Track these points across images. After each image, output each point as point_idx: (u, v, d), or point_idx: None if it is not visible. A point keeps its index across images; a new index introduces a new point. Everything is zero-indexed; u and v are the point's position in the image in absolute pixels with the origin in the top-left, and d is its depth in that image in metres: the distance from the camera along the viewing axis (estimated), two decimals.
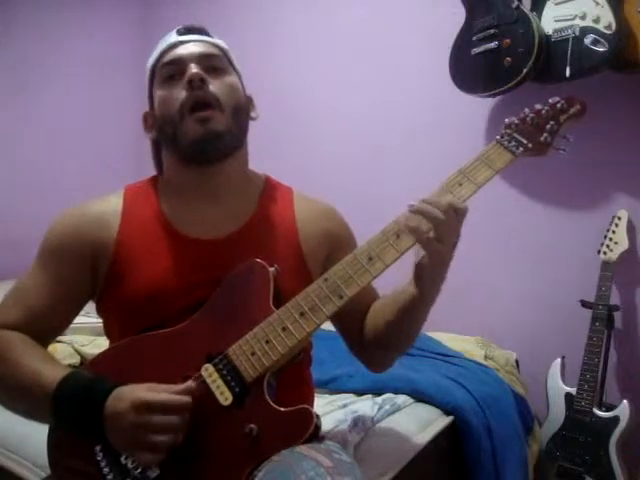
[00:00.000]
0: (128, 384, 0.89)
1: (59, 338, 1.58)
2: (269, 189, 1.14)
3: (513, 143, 0.97)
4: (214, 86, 1.02)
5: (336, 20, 2.43)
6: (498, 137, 0.98)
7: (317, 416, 0.89)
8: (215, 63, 1.05)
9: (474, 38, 1.87)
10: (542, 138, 0.97)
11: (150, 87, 1.08)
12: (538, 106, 1.00)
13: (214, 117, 1.00)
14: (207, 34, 1.09)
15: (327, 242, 1.11)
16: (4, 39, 2.50)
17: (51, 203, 1.65)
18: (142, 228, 1.05)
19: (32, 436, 1.29)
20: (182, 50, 1.04)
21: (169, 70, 1.03)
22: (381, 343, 1.08)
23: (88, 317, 1.75)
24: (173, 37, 1.06)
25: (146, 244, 1.03)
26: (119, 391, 0.88)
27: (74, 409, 0.89)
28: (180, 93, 1.01)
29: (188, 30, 1.07)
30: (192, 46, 1.04)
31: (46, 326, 1.03)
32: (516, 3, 1.78)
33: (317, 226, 1.12)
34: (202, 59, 1.03)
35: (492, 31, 1.82)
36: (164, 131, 1.04)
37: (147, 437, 0.84)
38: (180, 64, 1.02)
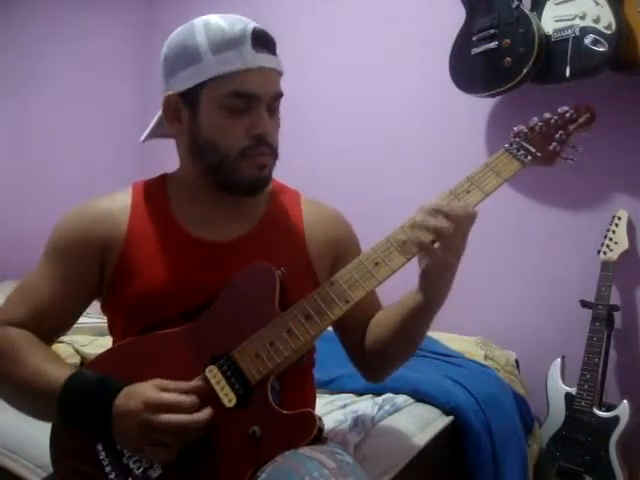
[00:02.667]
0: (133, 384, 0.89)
1: (60, 338, 1.57)
2: (277, 192, 1.14)
3: (522, 152, 0.97)
4: (273, 136, 1.02)
5: (337, 20, 2.43)
6: (507, 145, 0.98)
7: (320, 419, 0.89)
8: (277, 104, 1.03)
9: (474, 38, 1.87)
10: (551, 147, 0.97)
11: (196, 87, 0.97)
12: (547, 115, 1.00)
13: (269, 164, 1.03)
14: (275, 49, 1.03)
15: (334, 247, 1.11)
16: (4, 39, 2.49)
17: (53, 202, 1.65)
18: (150, 226, 1.04)
19: (33, 436, 1.29)
20: (260, 84, 0.97)
21: (240, 102, 0.96)
22: (383, 353, 1.07)
23: (88, 317, 1.75)
24: (249, 50, 0.95)
25: (154, 243, 1.03)
26: (129, 389, 0.88)
27: (82, 407, 0.89)
28: (244, 139, 0.97)
29: (263, 42, 0.99)
30: (269, 82, 0.99)
31: (51, 324, 1.03)
32: (516, 3, 1.78)
33: (324, 231, 1.11)
34: (272, 101, 1.00)
35: (492, 31, 1.82)
36: (205, 153, 1.00)
37: (157, 436, 0.84)
38: (253, 100, 0.97)
